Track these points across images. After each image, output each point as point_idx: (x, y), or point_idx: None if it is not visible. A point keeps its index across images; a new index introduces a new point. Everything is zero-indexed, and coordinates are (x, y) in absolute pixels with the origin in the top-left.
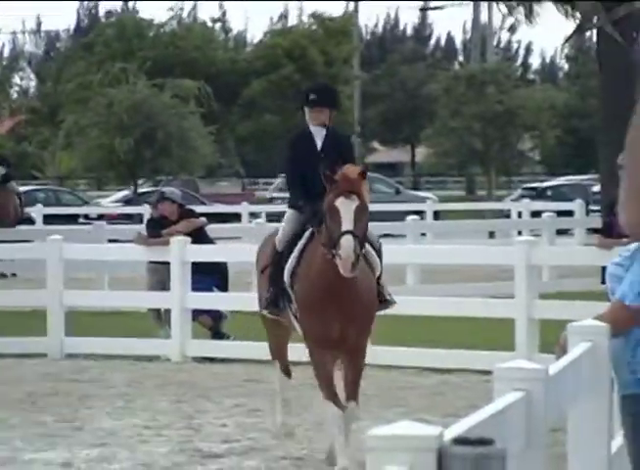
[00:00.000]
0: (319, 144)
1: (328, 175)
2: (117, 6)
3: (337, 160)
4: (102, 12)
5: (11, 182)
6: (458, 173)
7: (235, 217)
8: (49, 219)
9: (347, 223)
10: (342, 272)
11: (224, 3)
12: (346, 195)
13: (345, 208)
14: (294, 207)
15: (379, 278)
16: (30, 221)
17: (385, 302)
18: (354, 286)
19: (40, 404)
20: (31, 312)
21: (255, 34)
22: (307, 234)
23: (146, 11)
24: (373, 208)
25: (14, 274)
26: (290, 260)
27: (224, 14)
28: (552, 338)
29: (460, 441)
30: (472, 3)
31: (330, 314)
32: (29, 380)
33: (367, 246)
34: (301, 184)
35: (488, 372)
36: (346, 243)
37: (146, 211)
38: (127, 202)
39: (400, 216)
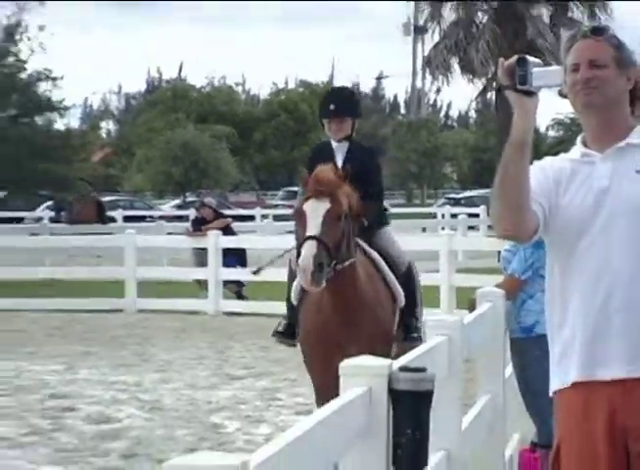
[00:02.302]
0: (340, 161)
1: (302, 178)
2: (174, 74)
3: (359, 177)
4: (163, 78)
5: (94, 194)
6: (400, 188)
7: (251, 218)
8: (127, 219)
9: (312, 228)
10: (303, 284)
11: (245, 72)
12: (317, 196)
13: (313, 210)
14: None
15: (410, 310)
16: (114, 221)
17: (410, 338)
18: (355, 320)
19: (120, 343)
20: (115, 281)
21: (266, 95)
22: None
23: (191, 77)
24: None
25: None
26: (293, 288)
27: (244, 80)
28: (465, 299)
29: (403, 369)
30: (411, 74)
31: (328, 355)
32: (113, 327)
33: (387, 270)
34: None
35: None
36: (305, 250)
37: (191, 213)
38: (179, 207)
39: None
